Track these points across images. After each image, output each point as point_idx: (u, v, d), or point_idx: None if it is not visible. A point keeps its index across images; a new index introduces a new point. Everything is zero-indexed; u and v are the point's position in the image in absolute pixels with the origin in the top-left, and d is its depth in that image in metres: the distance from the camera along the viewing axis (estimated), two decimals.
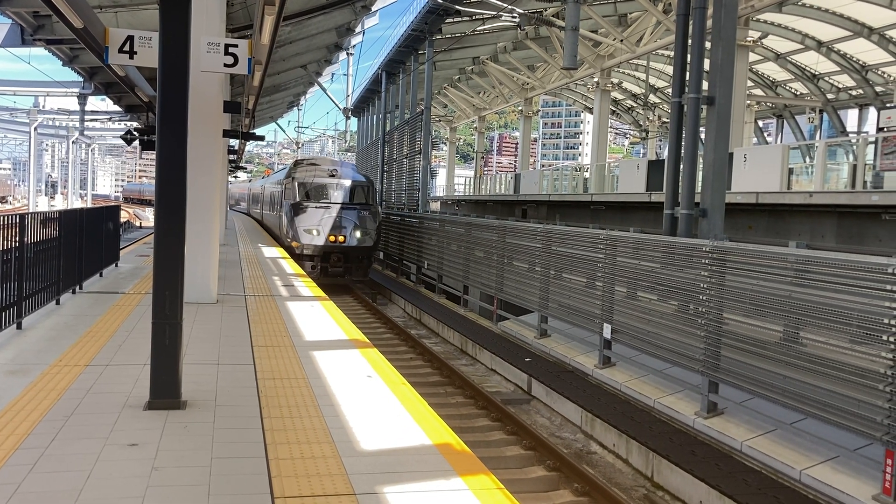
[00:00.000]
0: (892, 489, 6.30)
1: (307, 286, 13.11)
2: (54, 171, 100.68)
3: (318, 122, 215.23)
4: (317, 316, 10.02)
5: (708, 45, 13.51)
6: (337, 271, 21.33)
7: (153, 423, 5.25)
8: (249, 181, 63.37)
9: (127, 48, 7.47)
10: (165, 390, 5.62)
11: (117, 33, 7.44)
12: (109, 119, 44.06)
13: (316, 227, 20.95)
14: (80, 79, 23.35)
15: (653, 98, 39.25)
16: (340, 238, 21.05)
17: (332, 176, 22.13)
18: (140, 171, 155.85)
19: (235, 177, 62.82)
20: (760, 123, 40.27)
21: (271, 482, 4.32)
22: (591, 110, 40.73)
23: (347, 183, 22.20)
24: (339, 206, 21.54)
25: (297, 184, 21.94)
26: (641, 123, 43.86)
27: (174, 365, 5.64)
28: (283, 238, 23.08)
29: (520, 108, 39.59)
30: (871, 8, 24.92)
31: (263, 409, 5.72)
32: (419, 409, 5.96)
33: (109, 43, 7.51)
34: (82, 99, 34.48)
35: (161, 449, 4.77)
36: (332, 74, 38.87)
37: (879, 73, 29.98)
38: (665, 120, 39.06)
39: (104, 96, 26.42)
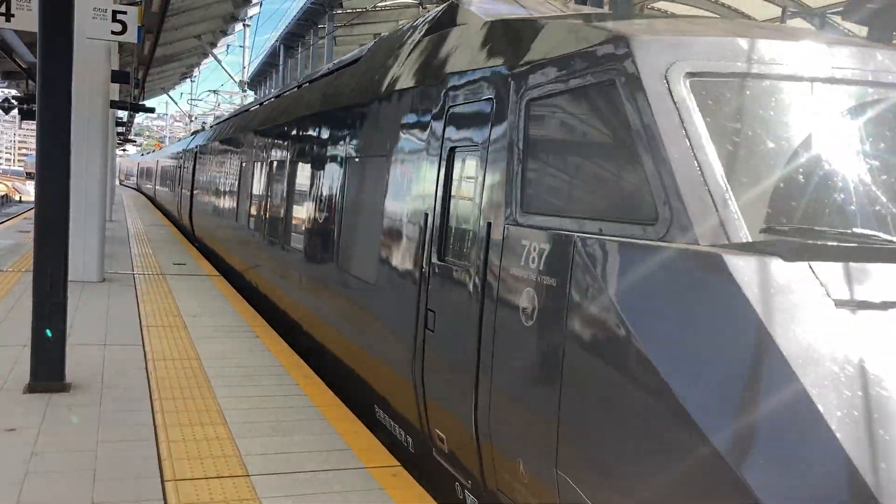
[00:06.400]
0: None
1: (199, 264, 12.77)
2: None
3: (212, 95, 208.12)
4: (210, 294, 9.79)
5: None
6: None
7: (33, 407, 5.02)
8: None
9: (3, 9, 7.05)
10: (47, 372, 5.38)
11: None
12: None
13: None
14: None
15: None
16: None
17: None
18: (20, 141, 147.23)
19: (123, 150, 59.97)
20: None
21: (161, 465, 4.21)
22: None
23: None
24: None
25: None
26: None
27: (57, 346, 5.40)
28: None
29: None
30: (756, 2, 26.14)
31: (153, 390, 5.56)
32: (315, 388, 5.93)
33: None
34: None
35: (42, 433, 4.57)
36: (228, 46, 37.89)
37: None
38: None
39: None
